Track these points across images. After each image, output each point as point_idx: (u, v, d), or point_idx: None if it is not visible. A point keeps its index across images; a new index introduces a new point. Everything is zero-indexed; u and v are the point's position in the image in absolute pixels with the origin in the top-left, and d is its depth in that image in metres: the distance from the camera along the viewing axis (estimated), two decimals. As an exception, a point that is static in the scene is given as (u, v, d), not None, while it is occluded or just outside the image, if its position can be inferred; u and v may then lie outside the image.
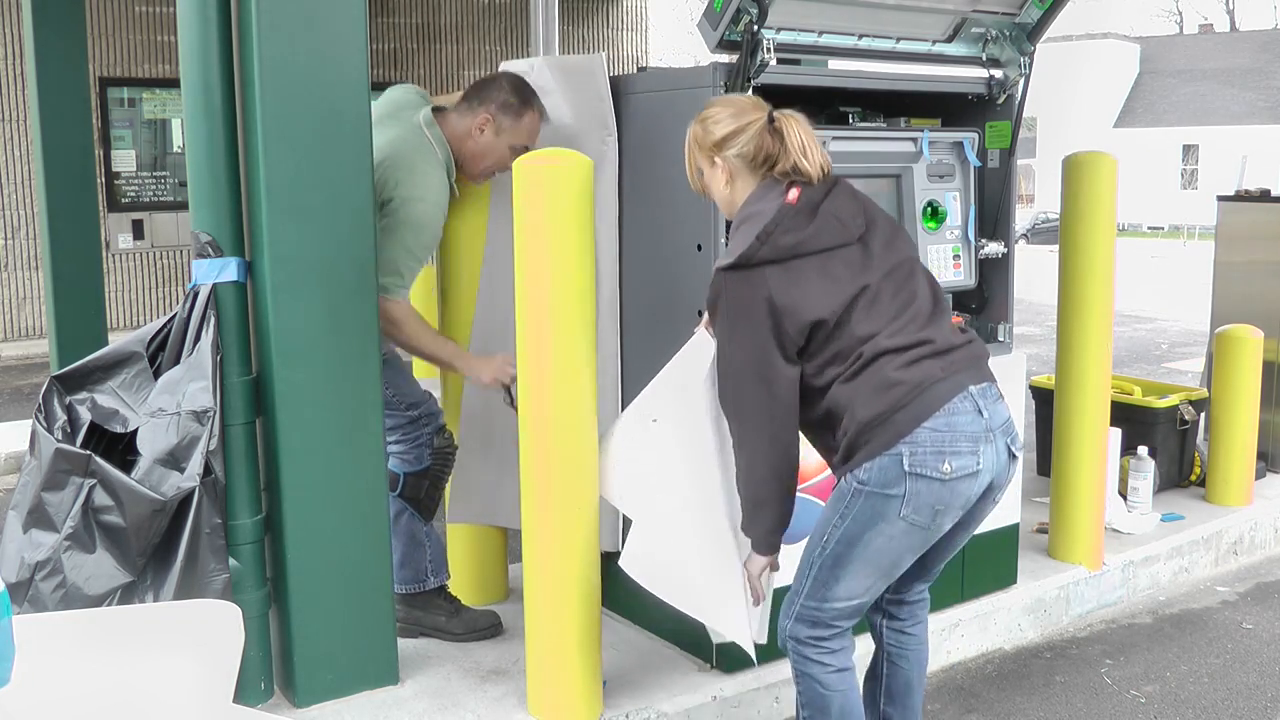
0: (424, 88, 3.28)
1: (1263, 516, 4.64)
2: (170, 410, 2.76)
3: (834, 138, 3.08)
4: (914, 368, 2.30)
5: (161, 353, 2.86)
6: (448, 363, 3.26)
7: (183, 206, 9.16)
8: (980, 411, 2.32)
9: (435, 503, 3.40)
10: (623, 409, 3.27)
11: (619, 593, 3.39)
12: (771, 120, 2.43)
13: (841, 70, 3.34)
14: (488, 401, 3.45)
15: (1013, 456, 2.40)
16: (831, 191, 2.41)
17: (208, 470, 2.74)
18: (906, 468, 2.26)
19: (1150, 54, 40.83)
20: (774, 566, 2.55)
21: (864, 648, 2.68)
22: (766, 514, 2.45)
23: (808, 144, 2.42)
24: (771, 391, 2.32)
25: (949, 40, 3.42)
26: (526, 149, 3.08)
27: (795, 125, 2.42)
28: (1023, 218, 29.08)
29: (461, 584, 3.58)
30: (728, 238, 2.52)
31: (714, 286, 2.36)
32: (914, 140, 3.29)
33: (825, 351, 2.33)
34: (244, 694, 2.85)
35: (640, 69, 3.48)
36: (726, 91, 2.89)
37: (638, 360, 3.22)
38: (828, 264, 2.33)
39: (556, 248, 2.68)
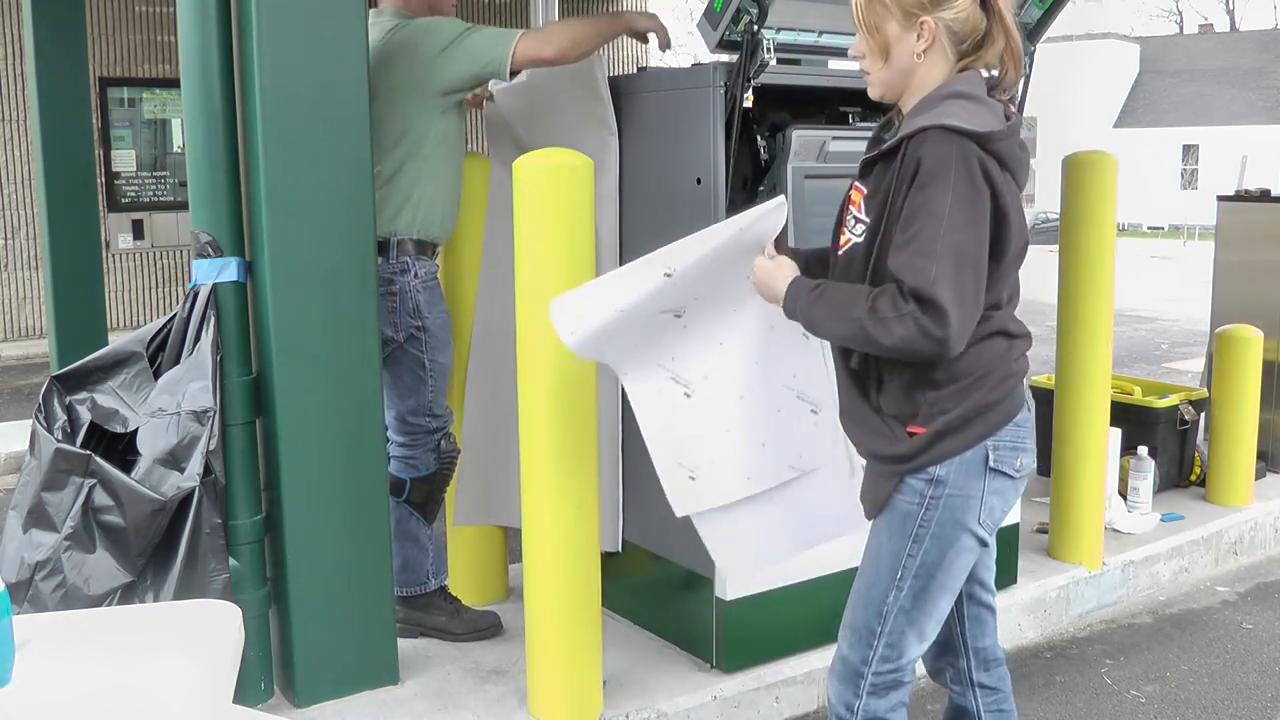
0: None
1: (1263, 516, 4.64)
2: (170, 410, 2.76)
3: (834, 138, 3.08)
4: (1023, 360, 2.12)
5: (161, 353, 2.86)
6: (607, 30, 3.11)
7: (183, 206, 9.14)
8: (1029, 408, 2.20)
9: (439, 505, 3.40)
10: (623, 411, 3.28)
11: (619, 593, 3.40)
12: None
13: (841, 70, 3.34)
14: (490, 402, 3.45)
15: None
16: None
17: (208, 470, 2.74)
18: (991, 463, 2.05)
19: (1150, 54, 40.82)
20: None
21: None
22: (853, 340, 2.03)
23: (1015, 30, 2.07)
24: (978, 285, 1.94)
25: (949, 40, 3.42)
26: None
27: (1007, 11, 2.06)
28: (1023, 218, 28.99)
29: (461, 584, 3.58)
30: (915, 114, 2.03)
31: (939, 146, 1.93)
32: (914, 140, 3.28)
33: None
34: (244, 694, 2.85)
35: (640, 69, 3.47)
36: (727, 94, 2.89)
37: (638, 360, 3.21)
38: (1017, 203, 2.03)
39: (557, 248, 2.68)
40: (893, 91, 2.13)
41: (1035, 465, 2.19)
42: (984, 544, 2.12)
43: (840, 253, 2.14)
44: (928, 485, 2.06)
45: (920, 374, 2.03)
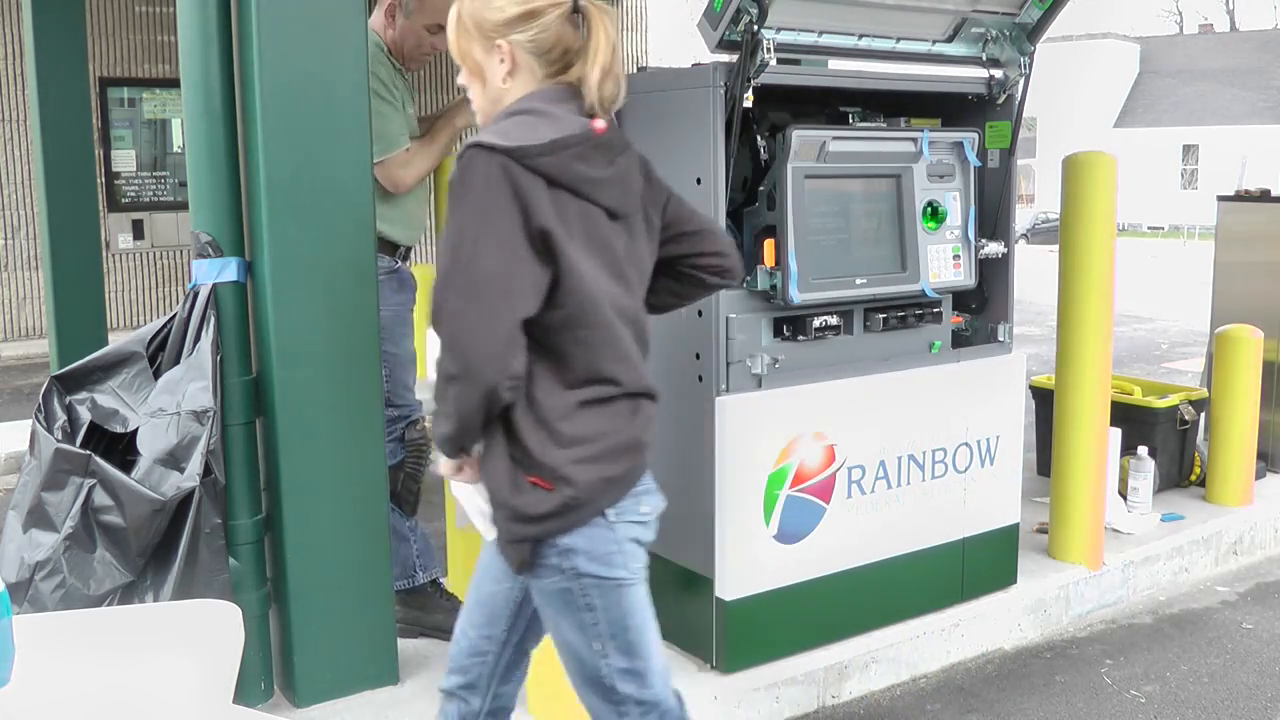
0: (423, 87, 3.30)
1: (1263, 516, 4.64)
2: (170, 410, 2.76)
3: (834, 138, 3.08)
4: (651, 425, 1.99)
5: (161, 353, 2.86)
6: (444, 140, 3.35)
7: (183, 206, 9.13)
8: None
9: (415, 496, 3.39)
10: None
11: (619, 593, 3.40)
12: (576, 8, 1.96)
13: (841, 70, 3.34)
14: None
15: None
16: (628, 149, 1.99)
17: (208, 470, 2.74)
18: (611, 518, 1.92)
19: (1150, 54, 40.85)
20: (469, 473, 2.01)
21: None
22: (458, 429, 1.89)
23: (616, 51, 1.97)
24: (497, 313, 1.80)
25: (949, 40, 3.42)
26: (441, 27, 3.21)
27: (606, 22, 1.96)
28: (1023, 218, 29.10)
29: (462, 584, 3.57)
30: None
31: (466, 163, 1.82)
32: (914, 140, 3.29)
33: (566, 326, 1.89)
34: (244, 694, 2.85)
35: (640, 69, 3.47)
36: (727, 94, 2.89)
37: (638, 360, 3.21)
38: (596, 230, 1.91)
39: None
40: (493, 117, 2.00)
41: (662, 501, 2.04)
42: (645, 572, 2.00)
43: None
44: (560, 557, 1.92)
45: (538, 417, 1.88)
